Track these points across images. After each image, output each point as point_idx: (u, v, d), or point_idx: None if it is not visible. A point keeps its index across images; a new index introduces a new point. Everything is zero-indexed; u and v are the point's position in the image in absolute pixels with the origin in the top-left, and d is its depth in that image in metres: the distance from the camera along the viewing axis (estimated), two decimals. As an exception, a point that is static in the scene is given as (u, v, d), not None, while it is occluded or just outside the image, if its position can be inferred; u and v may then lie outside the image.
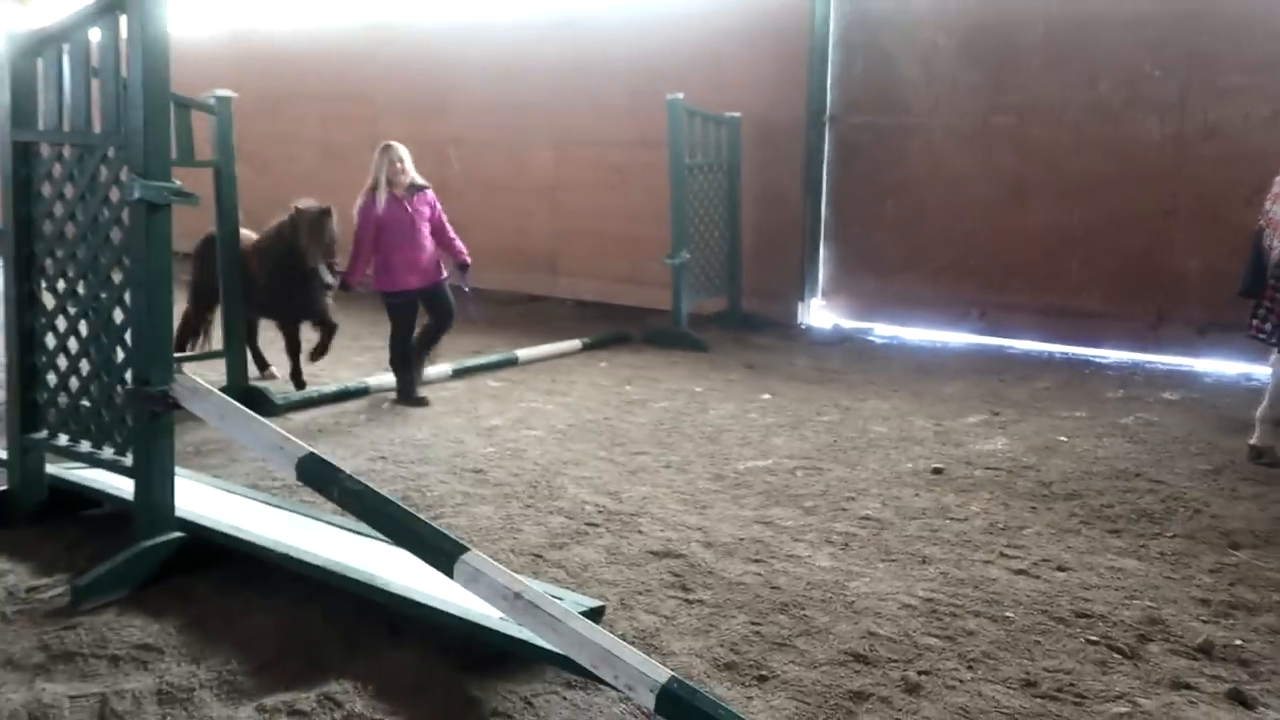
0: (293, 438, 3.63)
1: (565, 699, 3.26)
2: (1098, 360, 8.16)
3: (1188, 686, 3.43)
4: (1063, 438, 6.17)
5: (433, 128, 11.24)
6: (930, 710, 3.24)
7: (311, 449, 3.57)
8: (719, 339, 8.92)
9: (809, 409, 6.87)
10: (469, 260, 7.00)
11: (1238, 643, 3.70)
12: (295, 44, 12.41)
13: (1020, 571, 4.31)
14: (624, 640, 3.15)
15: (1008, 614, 3.92)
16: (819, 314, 9.56)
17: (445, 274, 6.91)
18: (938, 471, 5.54)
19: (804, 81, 9.10)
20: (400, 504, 3.44)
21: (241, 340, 6.67)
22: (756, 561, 4.35)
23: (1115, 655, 3.64)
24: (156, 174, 3.76)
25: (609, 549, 4.43)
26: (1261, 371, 5.95)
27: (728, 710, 2.76)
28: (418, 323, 6.94)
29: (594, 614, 3.51)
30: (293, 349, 6.98)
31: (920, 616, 3.87)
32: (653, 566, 4.27)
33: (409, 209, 6.64)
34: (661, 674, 2.71)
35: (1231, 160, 7.34)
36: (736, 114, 8.99)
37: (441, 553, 3.10)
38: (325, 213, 6.41)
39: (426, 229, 6.73)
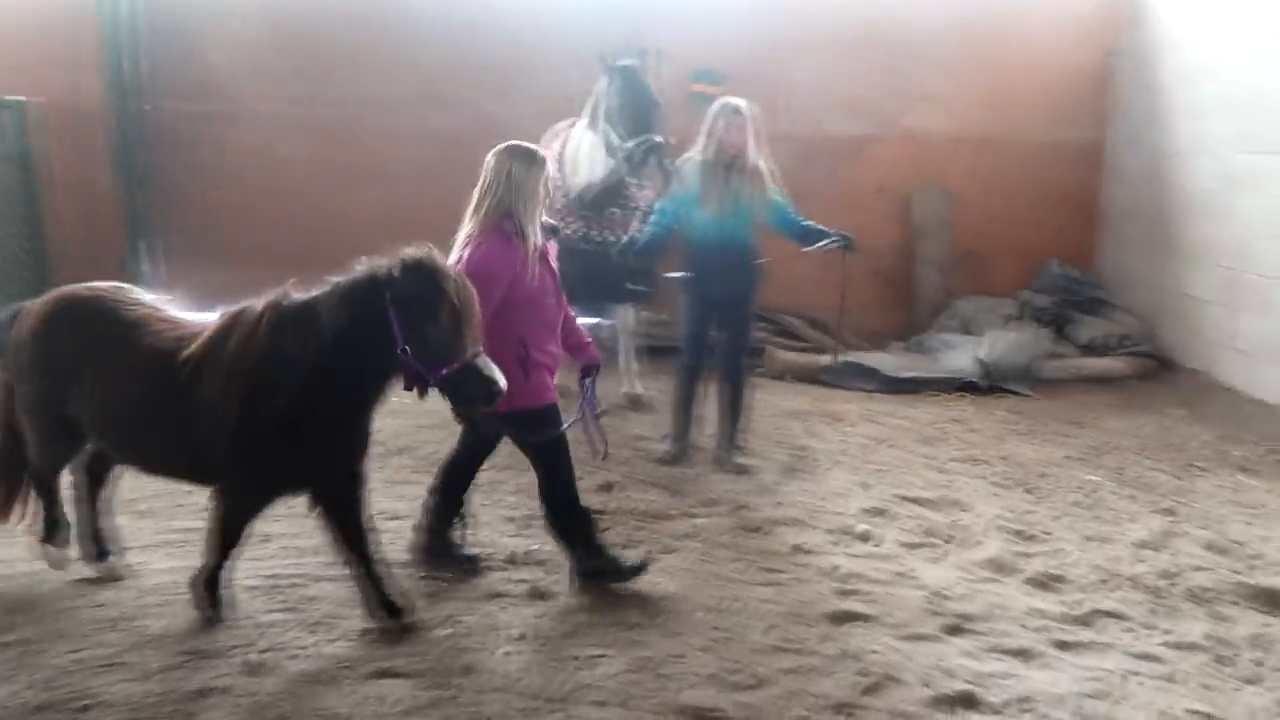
0: None
1: None
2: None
3: (500, 595, 3.72)
4: (406, 399, 6.31)
5: None
6: (272, 685, 3.06)
7: None
8: None
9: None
10: (600, 355, 4.00)
11: (535, 547, 4.11)
12: None
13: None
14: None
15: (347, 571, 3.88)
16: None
17: None
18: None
19: (104, 65, 7.96)
20: None
21: None
22: (83, 582, 3.71)
23: (444, 584, 3.81)
24: None
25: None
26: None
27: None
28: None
29: None
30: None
31: (263, 595, 3.65)
32: (-55, 618, 3.40)
33: (552, 264, 3.76)
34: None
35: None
36: (20, 98, 7.53)
37: None
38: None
39: None
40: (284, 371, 3.15)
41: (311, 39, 8.17)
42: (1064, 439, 5.66)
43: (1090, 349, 7.21)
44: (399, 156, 8.31)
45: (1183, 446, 5.43)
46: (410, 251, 3.17)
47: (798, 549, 4.14)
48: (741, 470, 5.03)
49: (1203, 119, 6.89)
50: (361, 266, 3.19)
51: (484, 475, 4.94)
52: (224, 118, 8.26)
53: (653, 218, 5.06)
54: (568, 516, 3.80)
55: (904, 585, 3.84)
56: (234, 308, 3.34)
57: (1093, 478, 4.96)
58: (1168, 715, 2.93)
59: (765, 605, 3.66)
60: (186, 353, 3.24)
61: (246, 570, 3.82)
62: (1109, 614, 3.55)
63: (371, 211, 8.37)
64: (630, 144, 5.29)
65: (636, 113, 5.32)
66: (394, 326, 3.09)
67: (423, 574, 3.85)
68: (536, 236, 3.57)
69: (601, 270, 5.81)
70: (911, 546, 4.20)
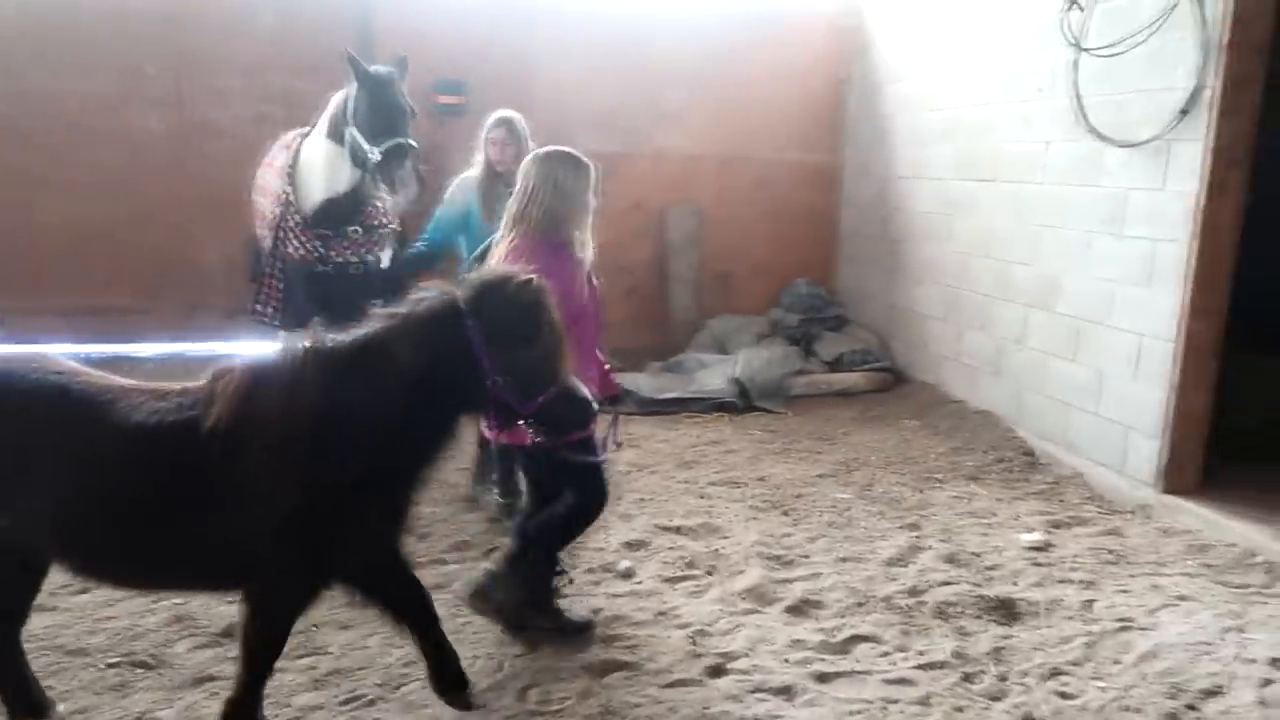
0: None
1: None
2: (136, 356, 7.57)
3: (210, 679, 3.22)
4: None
5: None
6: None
7: None
8: None
9: None
10: (621, 387, 4.05)
11: (258, 617, 3.61)
12: None
13: (37, 607, 3.60)
14: None
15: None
16: None
17: None
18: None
19: None
20: None
21: None
22: None
23: (139, 670, 3.25)
24: None
25: None
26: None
27: None
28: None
29: None
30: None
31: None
32: None
33: (594, 281, 3.55)
34: None
35: (236, 156, 7.34)
36: None
37: None
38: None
39: None
40: (350, 431, 2.57)
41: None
42: (815, 456, 5.82)
43: (835, 365, 7.55)
44: (90, 162, 7.38)
45: (921, 459, 5.74)
46: (487, 270, 2.87)
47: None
48: (498, 507, 4.74)
49: (922, 146, 7.41)
50: (429, 292, 2.72)
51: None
52: None
53: (424, 234, 4.78)
54: (540, 559, 3.60)
55: (666, 625, 3.70)
56: (236, 364, 2.65)
57: (844, 495, 5.11)
58: (925, 743, 2.96)
59: (521, 662, 3.40)
60: (212, 421, 2.52)
61: None
62: (865, 638, 3.59)
63: (55, 225, 7.40)
64: (380, 147, 4.85)
65: (388, 121, 4.87)
66: (481, 357, 2.65)
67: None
68: (587, 248, 3.40)
69: (342, 296, 5.29)
70: (673, 581, 4.09)
